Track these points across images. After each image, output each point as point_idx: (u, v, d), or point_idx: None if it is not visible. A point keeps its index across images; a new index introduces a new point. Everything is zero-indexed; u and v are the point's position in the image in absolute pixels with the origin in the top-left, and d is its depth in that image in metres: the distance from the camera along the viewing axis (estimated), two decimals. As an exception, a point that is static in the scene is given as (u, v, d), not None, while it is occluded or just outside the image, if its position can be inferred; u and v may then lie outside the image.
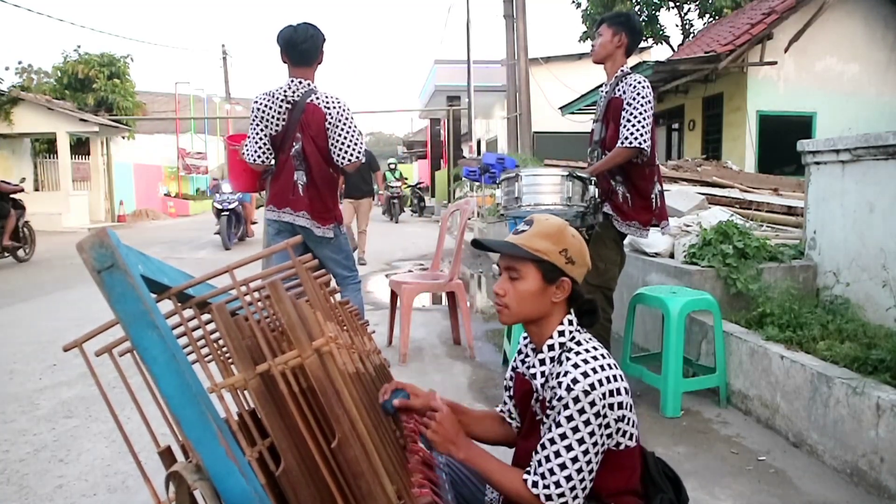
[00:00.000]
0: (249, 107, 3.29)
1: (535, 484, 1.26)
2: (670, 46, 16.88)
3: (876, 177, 3.29)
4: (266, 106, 3.12)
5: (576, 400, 1.25)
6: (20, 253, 8.99)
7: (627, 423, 1.31)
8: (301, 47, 3.10)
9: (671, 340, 2.98)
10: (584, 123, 9.82)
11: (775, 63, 9.83)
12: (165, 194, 22.16)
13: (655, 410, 3.04)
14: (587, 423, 1.24)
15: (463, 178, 14.13)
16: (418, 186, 20.23)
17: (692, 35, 16.46)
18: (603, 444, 1.28)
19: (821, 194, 3.71)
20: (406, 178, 18.06)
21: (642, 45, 15.22)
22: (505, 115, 14.56)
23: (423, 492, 1.14)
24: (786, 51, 9.93)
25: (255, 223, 11.75)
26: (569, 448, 1.24)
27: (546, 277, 1.34)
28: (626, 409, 1.30)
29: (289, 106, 3.11)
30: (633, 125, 2.81)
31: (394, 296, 4.34)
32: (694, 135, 11.66)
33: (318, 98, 3.12)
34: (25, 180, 10.30)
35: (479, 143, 21.25)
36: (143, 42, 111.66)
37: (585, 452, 1.24)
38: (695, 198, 5.24)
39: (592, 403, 1.25)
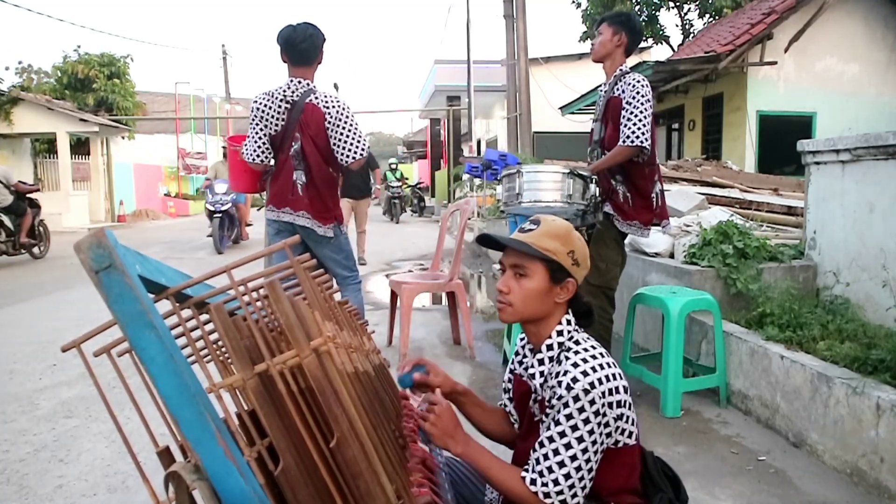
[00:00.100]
0: (249, 107, 3.29)
1: (533, 481, 1.26)
2: (670, 46, 16.88)
3: (876, 177, 3.29)
4: (265, 106, 3.12)
5: (575, 399, 1.25)
6: (35, 250, 9.12)
7: (627, 422, 1.31)
8: (300, 47, 3.10)
9: (671, 340, 2.98)
10: (583, 123, 9.81)
11: (775, 63, 9.83)
12: (165, 194, 22.16)
13: (655, 410, 3.04)
14: (586, 421, 1.24)
15: (463, 179, 14.16)
16: (418, 186, 20.24)
17: (692, 35, 16.46)
18: (602, 444, 1.28)
19: (821, 194, 3.70)
20: (407, 179, 18.06)
21: (642, 45, 15.23)
22: (505, 115, 14.56)
23: (422, 491, 1.13)
24: (786, 51, 9.92)
25: (250, 225, 11.19)
26: (567, 446, 1.24)
27: (553, 277, 1.35)
28: (626, 407, 1.30)
29: (288, 106, 3.11)
30: (634, 124, 2.81)
31: (394, 296, 4.34)
32: (694, 135, 11.66)
33: (317, 98, 3.12)
34: (42, 181, 10.41)
35: (479, 143, 21.23)
36: (143, 42, 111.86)
37: (584, 451, 1.24)
38: (695, 198, 5.24)
39: (592, 402, 1.25)
